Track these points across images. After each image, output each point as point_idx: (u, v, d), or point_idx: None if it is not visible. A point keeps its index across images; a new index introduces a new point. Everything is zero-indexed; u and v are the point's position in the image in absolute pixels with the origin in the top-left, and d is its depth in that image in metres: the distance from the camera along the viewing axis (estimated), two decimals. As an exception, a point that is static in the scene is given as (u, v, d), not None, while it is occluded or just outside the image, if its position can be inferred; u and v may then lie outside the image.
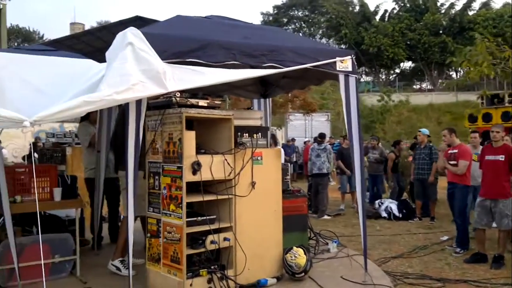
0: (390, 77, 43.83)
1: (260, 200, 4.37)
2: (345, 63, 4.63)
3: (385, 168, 10.47)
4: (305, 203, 5.32)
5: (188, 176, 3.82)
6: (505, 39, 29.36)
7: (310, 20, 52.07)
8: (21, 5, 73.06)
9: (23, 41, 43.93)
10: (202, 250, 3.94)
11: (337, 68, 4.60)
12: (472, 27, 35.22)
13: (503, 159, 5.77)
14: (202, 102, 4.13)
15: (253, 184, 4.31)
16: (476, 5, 39.35)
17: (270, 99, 6.79)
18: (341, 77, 4.62)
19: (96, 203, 5.68)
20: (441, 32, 37.43)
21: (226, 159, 4.10)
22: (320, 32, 51.39)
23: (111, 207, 6.07)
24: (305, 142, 17.08)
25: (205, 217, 3.96)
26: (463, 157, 6.50)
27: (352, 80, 4.66)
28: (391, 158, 10.29)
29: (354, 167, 4.68)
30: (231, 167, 4.13)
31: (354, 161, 4.64)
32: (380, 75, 43.16)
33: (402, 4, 40.69)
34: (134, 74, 3.56)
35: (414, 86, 42.52)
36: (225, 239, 4.07)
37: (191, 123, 4.47)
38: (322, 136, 10.24)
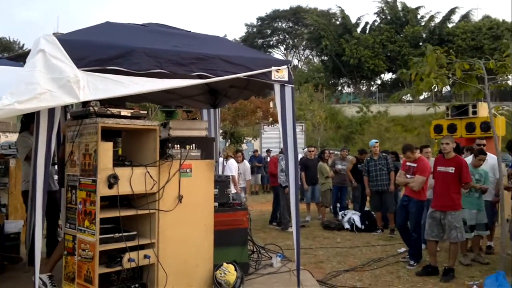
0: (372, 88, 44.12)
1: (188, 215, 4.18)
2: (281, 73, 4.50)
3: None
4: (245, 216, 5.14)
5: (102, 190, 3.62)
6: (483, 52, 29.97)
7: (294, 32, 52.41)
8: (4, 14, 72.23)
9: (3, 51, 43.38)
10: (118, 268, 3.73)
11: (273, 78, 4.46)
12: (451, 39, 35.85)
13: (453, 171, 5.68)
14: (124, 112, 3.94)
15: (180, 198, 4.12)
16: (455, 18, 40.08)
17: (219, 109, 6.64)
18: (277, 87, 4.49)
19: (29, 217, 5.42)
20: (420, 44, 37.94)
21: (148, 172, 3.91)
22: (304, 43, 51.75)
23: (49, 222, 5.81)
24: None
25: (122, 234, 3.75)
26: (421, 173, 6.35)
27: (288, 90, 4.52)
28: (352, 161, 10.15)
29: (289, 177, 4.53)
30: (154, 180, 3.94)
31: (289, 172, 4.49)
32: (361, 87, 43.44)
33: (383, 17, 41.25)
34: (42, 82, 3.38)
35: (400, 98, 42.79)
36: (145, 256, 3.86)
37: (119, 135, 4.31)
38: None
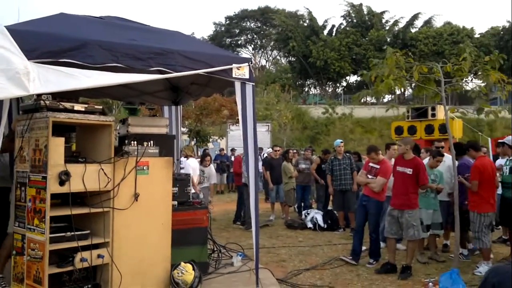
0: (337, 90, 44.74)
1: (144, 213, 4.09)
2: (242, 70, 4.47)
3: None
4: (205, 215, 5.08)
5: (53, 187, 3.48)
6: (444, 56, 30.97)
7: (262, 32, 52.50)
8: (-40, 5, 68.76)
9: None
10: (70, 268, 3.59)
11: (233, 75, 4.42)
12: (414, 44, 36.83)
13: (410, 173, 5.81)
14: (78, 106, 3.80)
15: (136, 196, 4.02)
16: (418, 23, 41.17)
17: (181, 107, 6.54)
18: (237, 85, 4.45)
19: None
20: (385, 48, 38.70)
21: (102, 169, 3.79)
22: (272, 44, 51.93)
23: (2, 220, 5.56)
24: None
25: (73, 233, 3.61)
26: (383, 174, 6.44)
27: (249, 88, 4.49)
28: (316, 161, 10.22)
29: (248, 176, 4.50)
30: (108, 177, 3.82)
31: (249, 170, 4.46)
32: (327, 88, 43.99)
33: (349, 20, 41.87)
34: (-12, 73, 3.22)
35: (361, 100, 43.66)
36: (98, 256, 3.74)
37: (73, 130, 4.16)
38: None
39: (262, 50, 53.80)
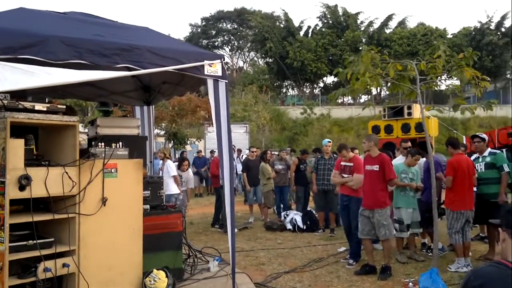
0: (315, 91, 44.90)
1: (113, 219, 3.87)
2: (214, 67, 4.30)
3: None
4: (179, 219, 4.87)
5: (12, 193, 3.24)
6: (418, 56, 31.38)
7: (238, 33, 52.36)
8: None
9: None
10: (32, 279, 3.35)
11: (205, 72, 4.25)
12: (389, 44, 37.26)
13: (377, 169, 5.74)
14: (39, 106, 3.56)
15: (103, 200, 3.80)
16: (392, 24, 41.69)
17: (153, 107, 6.32)
18: (210, 82, 4.28)
19: None
20: (360, 48, 39.02)
21: (67, 172, 3.56)
22: (248, 45, 51.81)
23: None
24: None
25: (35, 241, 3.38)
26: (358, 171, 6.37)
27: (222, 85, 4.33)
28: (294, 162, 10.11)
29: (223, 177, 4.33)
30: (73, 181, 3.59)
31: (224, 170, 4.29)
32: (304, 89, 44.10)
33: (325, 21, 42.07)
34: None
35: (337, 100, 43.89)
36: (64, 265, 3.51)
37: (35, 131, 3.92)
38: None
39: (239, 51, 53.69)
